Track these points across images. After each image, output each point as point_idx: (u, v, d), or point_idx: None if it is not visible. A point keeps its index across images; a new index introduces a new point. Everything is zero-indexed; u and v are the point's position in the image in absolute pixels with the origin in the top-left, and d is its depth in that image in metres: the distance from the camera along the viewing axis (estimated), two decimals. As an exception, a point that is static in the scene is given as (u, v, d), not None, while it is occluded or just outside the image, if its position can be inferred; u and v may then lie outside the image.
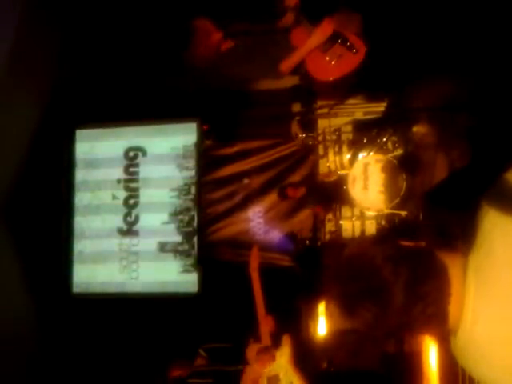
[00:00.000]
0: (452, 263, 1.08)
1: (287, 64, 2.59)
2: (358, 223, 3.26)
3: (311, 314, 3.29)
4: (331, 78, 2.59)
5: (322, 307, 3.25)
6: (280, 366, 2.38)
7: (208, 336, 3.12)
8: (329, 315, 3.20)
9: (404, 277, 1.03)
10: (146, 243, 3.94)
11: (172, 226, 3.90)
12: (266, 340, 2.43)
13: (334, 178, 3.35)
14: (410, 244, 1.12)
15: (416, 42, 2.65)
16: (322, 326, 3.22)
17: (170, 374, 2.63)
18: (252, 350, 2.44)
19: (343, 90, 3.22)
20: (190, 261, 3.85)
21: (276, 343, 2.44)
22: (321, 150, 3.56)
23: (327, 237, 3.47)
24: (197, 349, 2.81)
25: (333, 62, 2.56)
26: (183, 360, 2.72)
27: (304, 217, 3.59)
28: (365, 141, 3.31)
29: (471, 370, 1.11)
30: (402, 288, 1.03)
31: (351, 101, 3.40)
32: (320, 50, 2.56)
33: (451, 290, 1.05)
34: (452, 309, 1.06)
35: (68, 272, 3.97)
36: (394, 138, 3.24)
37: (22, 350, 3.41)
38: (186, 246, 3.88)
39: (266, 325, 2.46)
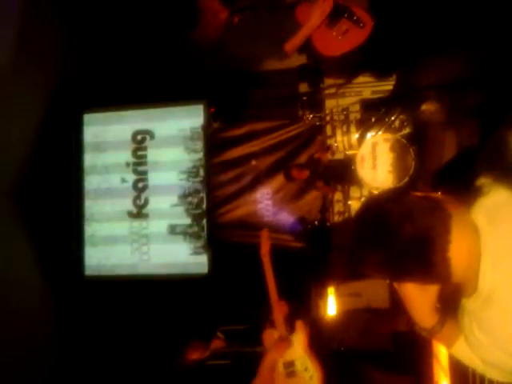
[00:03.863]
0: (460, 213, 1.11)
1: (292, 44, 2.56)
2: (366, 203, 3.25)
3: (321, 294, 3.31)
4: (338, 53, 2.56)
5: (332, 288, 3.27)
6: (295, 351, 2.37)
7: (221, 317, 3.15)
8: (339, 294, 3.23)
9: (411, 220, 1.08)
10: (156, 226, 3.97)
11: (181, 209, 3.92)
12: (280, 326, 2.41)
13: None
14: (420, 194, 1.17)
15: (424, 18, 2.60)
16: (332, 306, 3.24)
17: (187, 357, 2.64)
18: (269, 336, 2.42)
19: (350, 67, 3.18)
20: (200, 243, 3.88)
21: (290, 329, 2.43)
22: (329, 131, 3.55)
23: (336, 217, 3.47)
24: (212, 330, 2.82)
25: (339, 37, 2.53)
26: (200, 342, 2.72)
27: (312, 198, 3.59)
28: (373, 120, 3.29)
29: (489, 329, 1.13)
30: (408, 231, 1.07)
31: (359, 79, 3.37)
32: (326, 25, 2.53)
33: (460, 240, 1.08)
34: (465, 258, 1.10)
35: (80, 255, 4.01)
36: (402, 117, 3.21)
37: (36, 333, 3.46)
38: (195, 228, 3.90)
39: (279, 311, 2.44)
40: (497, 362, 1.16)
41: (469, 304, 1.18)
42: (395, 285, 1.26)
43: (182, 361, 2.62)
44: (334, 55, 2.59)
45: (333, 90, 3.39)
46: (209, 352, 2.64)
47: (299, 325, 2.41)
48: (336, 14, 2.52)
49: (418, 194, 1.17)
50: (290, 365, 2.31)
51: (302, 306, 3.13)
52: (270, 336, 2.40)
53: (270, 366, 2.21)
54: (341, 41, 2.54)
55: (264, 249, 2.55)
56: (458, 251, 1.08)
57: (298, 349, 2.37)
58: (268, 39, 2.58)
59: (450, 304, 1.26)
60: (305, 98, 3.46)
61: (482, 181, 1.23)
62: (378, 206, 1.16)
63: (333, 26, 2.53)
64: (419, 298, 1.24)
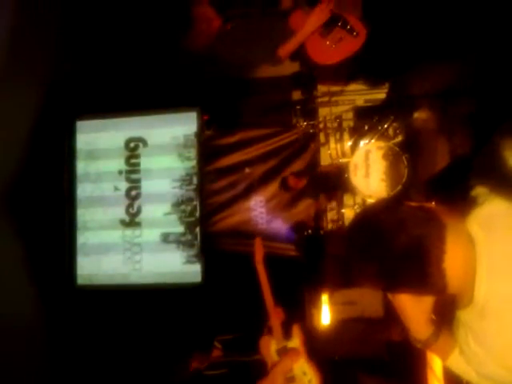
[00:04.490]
0: (455, 224, 1.11)
1: (285, 49, 2.57)
2: (360, 211, 3.25)
3: (315, 303, 3.30)
4: (331, 62, 2.57)
5: (325, 296, 3.26)
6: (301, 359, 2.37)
7: (218, 326, 3.13)
8: (333, 302, 3.22)
9: (405, 231, 1.07)
10: (149, 234, 3.94)
11: (174, 217, 3.90)
12: (277, 332, 2.41)
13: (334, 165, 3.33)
14: (415, 204, 1.16)
15: (417, 26, 2.62)
16: (326, 314, 3.22)
17: (188, 367, 2.62)
18: (265, 343, 2.42)
19: (344, 75, 3.19)
20: (193, 251, 3.85)
21: (287, 334, 2.42)
22: (322, 138, 3.55)
23: (329, 225, 3.47)
24: (210, 340, 2.80)
25: (333, 46, 2.54)
26: (201, 352, 2.71)
27: (306, 206, 3.58)
28: (366, 128, 3.29)
29: (485, 341, 1.13)
30: (403, 242, 1.07)
31: (352, 87, 3.38)
32: (320, 34, 2.54)
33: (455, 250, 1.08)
34: (460, 269, 1.10)
35: (72, 264, 3.98)
36: (395, 125, 3.22)
37: (28, 343, 3.43)
38: (188, 237, 3.88)
39: (276, 318, 2.44)
40: (491, 374, 1.15)
41: (464, 315, 1.17)
42: (389, 295, 1.26)
43: (183, 371, 2.61)
44: (328, 64, 2.60)
45: (326, 98, 3.40)
46: (207, 362, 2.63)
47: (295, 330, 2.41)
48: (330, 23, 2.53)
49: (413, 203, 1.17)
50: (288, 370, 2.31)
51: (296, 312, 3.12)
52: (267, 343, 2.40)
53: (283, 374, 2.20)
54: (334, 49, 2.55)
55: (258, 256, 2.56)
56: (452, 262, 1.08)
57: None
58: (261, 46, 2.58)
59: (445, 315, 1.25)
60: (298, 106, 3.46)
61: (477, 191, 1.22)
62: (372, 216, 1.15)
63: (327, 35, 2.54)
64: (414, 309, 1.24)
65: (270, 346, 2.40)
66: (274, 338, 2.40)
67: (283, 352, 2.35)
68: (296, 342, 2.38)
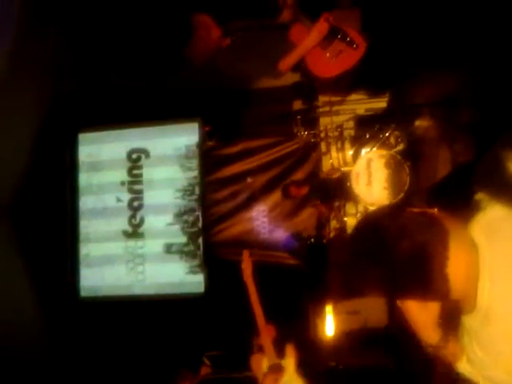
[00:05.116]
0: (458, 229, 1.11)
1: (286, 63, 2.58)
2: (362, 220, 3.24)
3: (319, 312, 3.29)
4: (332, 75, 2.58)
5: (329, 306, 3.25)
6: (286, 375, 2.33)
7: (208, 342, 3.10)
8: (336, 312, 3.21)
9: (408, 236, 1.07)
10: (152, 245, 3.95)
11: (177, 227, 3.90)
12: (269, 351, 2.35)
13: (337, 174, 3.34)
14: (417, 210, 1.16)
15: (417, 36, 2.63)
16: (330, 324, 3.21)
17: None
18: (256, 361, 2.37)
19: (344, 85, 3.21)
20: (196, 261, 3.85)
21: (280, 352, 2.37)
22: (323, 147, 3.56)
23: (332, 234, 3.47)
24: (200, 357, 2.76)
25: (333, 59, 2.55)
26: (189, 370, 2.66)
27: (308, 214, 3.58)
28: (367, 136, 3.30)
29: (489, 347, 1.12)
30: (406, 248, 1.06)
31: (353, 96, 3.40)
32: (320, 47, 2.56)
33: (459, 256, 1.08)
34: (463, 274, 1.09)
35: (75, 276, 3.97)
36: (396, 133, 3.23)
37: (32, 355, 3.41)
38: (191, 247, 3.88)
39: (267, 335, 2.38)
40: (497, 380, 1.15)
41: (468, 321, 1.17)
42: (398, 301, 1.26)
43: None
44: (328, 76, 2.61)
45: (327, 108, 3.42)
46: (197, 379, 2.58)
47: (289, 349, 2.36)
48: (329, 36, 2.54)
49: (415, 210, 1.17)
50: None
51: (296, 326, 3.08)
52: (258, 361, 2.36)
53: None
54: (334, 62, 2.56)
55: (247, 270, 2.47)
56: (455, 267, 1.08)
57: (289, 372, 2.33)
58: (262, 60, 2.60)
59: (452, 321, 1.25)
60: (299, 116, 3.48)
61: (480, 196, 1.23)
62: (375, 222, 1.16)
63: (326, 48, 2.56)
64: (420, 314, 1.24)
65: (262, 364, 2.35)
66: (266, 355, 2.34)
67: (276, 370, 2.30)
68: (290, 360, 2.33)
